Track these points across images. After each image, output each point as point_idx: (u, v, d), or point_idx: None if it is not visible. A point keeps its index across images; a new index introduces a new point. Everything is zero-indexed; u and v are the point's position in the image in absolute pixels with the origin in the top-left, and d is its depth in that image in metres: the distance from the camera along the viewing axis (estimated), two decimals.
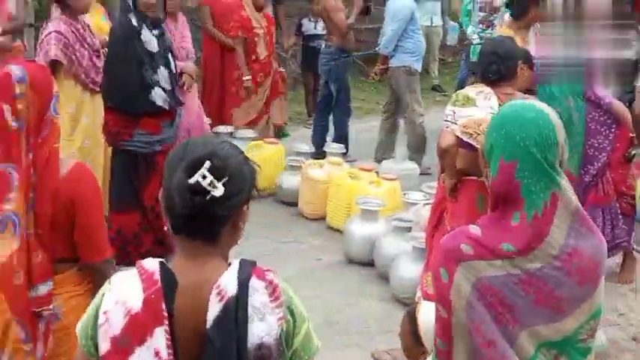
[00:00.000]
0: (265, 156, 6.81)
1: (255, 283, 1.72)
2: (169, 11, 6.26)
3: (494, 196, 2.12)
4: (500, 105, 3.97)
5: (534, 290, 2.07)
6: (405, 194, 5.91)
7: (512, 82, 4.12)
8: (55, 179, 2.52)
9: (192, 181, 1.68)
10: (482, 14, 7.90)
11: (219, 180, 1.70)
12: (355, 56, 11.96)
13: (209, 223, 1.74)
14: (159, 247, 4.88)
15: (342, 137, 7.74)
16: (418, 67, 7.64)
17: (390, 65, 7.70)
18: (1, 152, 2.48)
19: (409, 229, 5.21)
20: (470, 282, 2.07)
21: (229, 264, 1.79)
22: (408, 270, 4.87)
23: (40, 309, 2.54)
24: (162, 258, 1.79)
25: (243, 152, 1.84)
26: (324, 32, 9.27)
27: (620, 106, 4.94)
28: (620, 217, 5.03)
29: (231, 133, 7.36)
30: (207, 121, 6.84)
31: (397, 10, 7.53)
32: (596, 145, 5.03)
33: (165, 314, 1.69)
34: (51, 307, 2.56)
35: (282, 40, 9.88)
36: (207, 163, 1.69)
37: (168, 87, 4.87)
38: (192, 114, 6.27)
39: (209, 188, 1.68)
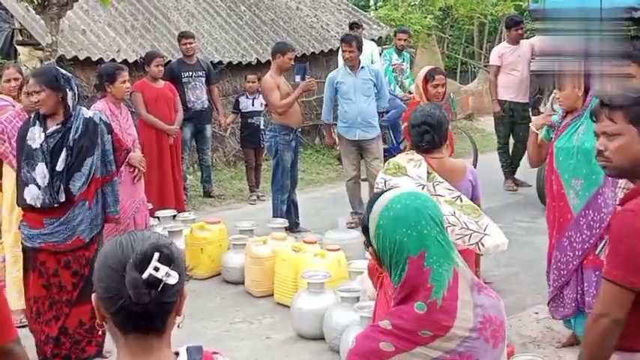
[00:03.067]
0: (209, 236, 6.79)
1: None
2: (115, 99, 6.32)
3: (404, 291, 2.11)
4: (429, 171, 4.06)
5: None
6: (350, 263, 5.93)
7: (442, 147, 4.22)
8: None
9: (146, 275, 1.67)
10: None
11: (170, 268, 1.70)
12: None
13: (161, 313, 1.72)
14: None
15: (276, 211, 7.91)
16: (346, 134, 8.08)
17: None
18: None
19: (357, 299, 5.21)
20: None
21: (176, 353, 1.77)
22: None
23: None
24: None
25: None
26: (263, 108, 9.46)
27: None
28: None
29: (173, 217, 7.34)
30: (148, 205, 6.80)
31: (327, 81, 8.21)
32: (607, 195, 4.64)
33: None
34: None
35: (219, 118, 9.97)
36: (157, 255, 1.69)
37: (43, 184, 4.73)
38: (138, 200, 6.22)
39: (165, 279, 1.68)
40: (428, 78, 6.21)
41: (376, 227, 2.19)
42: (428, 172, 4.03)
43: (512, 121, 9.76)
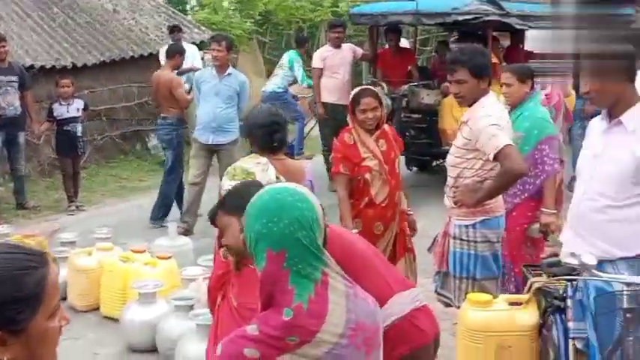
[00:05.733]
0: None
1: None
2: None
3: (264, 289, 2.01)
4: (277, 175, 3.97)
5: None
6: (182, 271, 5.73)
7: (284, 149, 4.15)
8: None
9: None
10: None
11: None
12: (113, 135, 11.78)
13: None
14: None
15: (168, 199, 8.38)
16: (200, 137, 7.94)
17: None
18: None
19: (191, 307, 5.03)
20: None
21: None
22: (194, 350, 4.66)
23: None
24: None
25: None
26: (80, 114, 8.99)
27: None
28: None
29: None
30: None
31: None
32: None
33: None
34: None
35: (32, 126, 9.39)
36: None
37: None
38: None
39: None
40: (354, 101, 4.87)
41: (246, 214, 2.08)
42: (276, 176, 3.94)
43: (336, 124, 9.91)
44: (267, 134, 4.09)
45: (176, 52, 8.58)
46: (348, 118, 5.02)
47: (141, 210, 9.09)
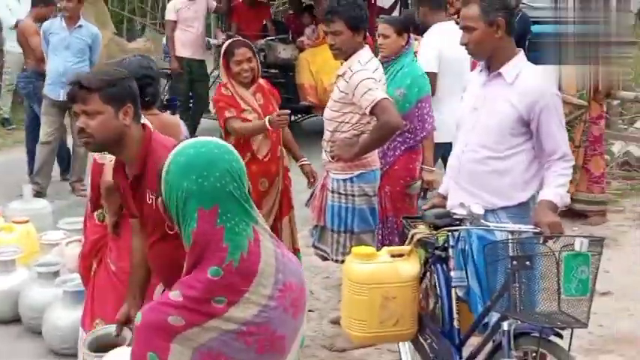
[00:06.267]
0: None
1: None
2: None
3: (195, 250, 1.87)
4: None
5: (256, 339, 1.89)
6: (41, 236, 5.39)
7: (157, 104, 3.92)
8: None
9: None
10: None
11: None
12: None
13: None
14: None
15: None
16: (50, 93, 7.54)
17: None
18: None
19: (57, 273, 4.75)
20: (188, 357, 1.84)
21: None
22: (63, 318, 4.43)
23: None
24: None
25: None
26: None
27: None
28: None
29: None
30: None
31: None
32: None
33: None
34: None
35: None
36: None
37: None
38: None
39: None
40: (227, 53, 4.71)
41: (166, 173, 1.91)
42: None
43: (191, 79, 9.67)
44: (139, 88, 3.86)
45: (40, 1, 8.14)
46: (221, 73, 4.85)
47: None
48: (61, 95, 7.30)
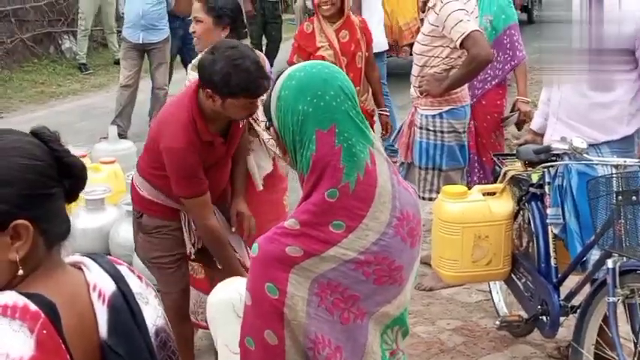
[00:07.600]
0: None
1: (122, 269, 1.40)
2: None
3: (313, 174, 1.81)
4: None
5: (374, 270, 1.82)
6: (128, 176, 5.46)
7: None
8: None
9: None
10: None
11: None
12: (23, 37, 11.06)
13: None
14: None
15: None
16: (130, 37, 7.50)
17: None
18: None
19: None
20: (306, 288, 1.78)
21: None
22: None
23: None
24: None
25: None
26: None
27: None
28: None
29: None
30: None
31: None
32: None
33: (64, 347, 1.21)
34: None
35: None
36: None
37: None
38: None
39: None
40: None
41: (277, 99, 1.85)
42: None
43: (264, 21, 9.61)
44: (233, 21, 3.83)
45: None
46: (298, 7, 4.82)
47: (63, 116, 8.64)
48: (141, 38, 7.35)
